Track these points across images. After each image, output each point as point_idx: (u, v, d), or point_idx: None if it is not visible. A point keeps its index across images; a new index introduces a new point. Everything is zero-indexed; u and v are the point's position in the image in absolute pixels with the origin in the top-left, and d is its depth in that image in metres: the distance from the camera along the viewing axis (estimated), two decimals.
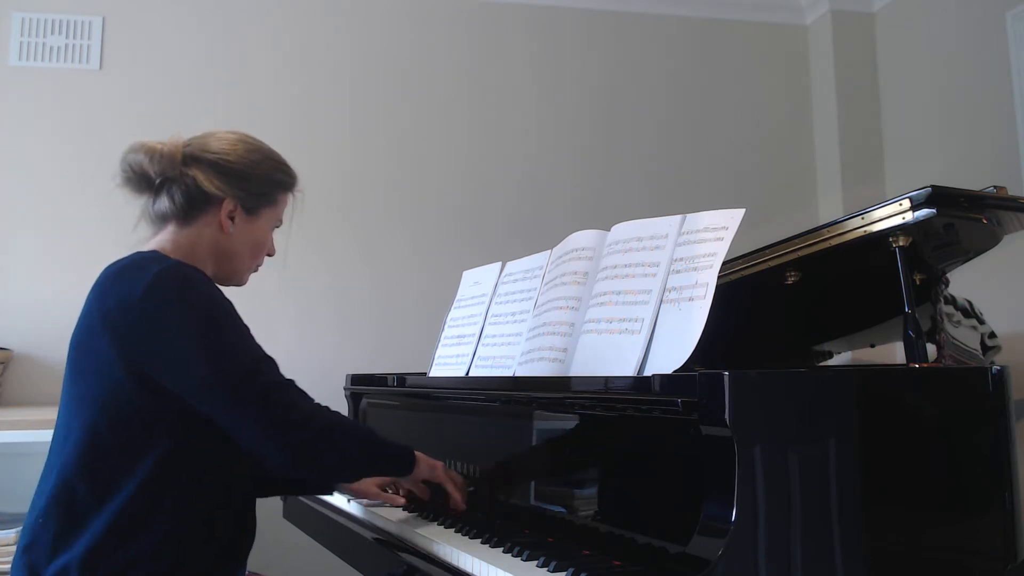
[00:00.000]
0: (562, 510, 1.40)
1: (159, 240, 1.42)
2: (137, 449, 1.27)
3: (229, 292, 1.41)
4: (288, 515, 2.14)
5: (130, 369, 1.27)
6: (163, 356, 1.27)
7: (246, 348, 1.33)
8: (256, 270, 1.55)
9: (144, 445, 1.28)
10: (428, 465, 1.56)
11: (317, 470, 1.42)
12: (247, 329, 1.35)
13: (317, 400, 1.38)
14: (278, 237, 1.57)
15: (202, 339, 1.28)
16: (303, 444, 1.32)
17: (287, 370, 1.37)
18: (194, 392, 1.27)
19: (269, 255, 1.56)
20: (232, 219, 1.44)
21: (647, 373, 1.30)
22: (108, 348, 1.28)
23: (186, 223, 1.42)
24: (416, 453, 1.53)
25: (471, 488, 1.63)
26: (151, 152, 1.39)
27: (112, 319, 1.29)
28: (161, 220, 1.43)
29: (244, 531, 1.42)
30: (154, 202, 1.43)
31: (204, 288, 1.33)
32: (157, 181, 1.41)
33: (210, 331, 1.29)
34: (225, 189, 1.42)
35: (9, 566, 1.35)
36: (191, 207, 1.41)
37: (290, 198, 1.55)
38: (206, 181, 1.40)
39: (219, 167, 1.42)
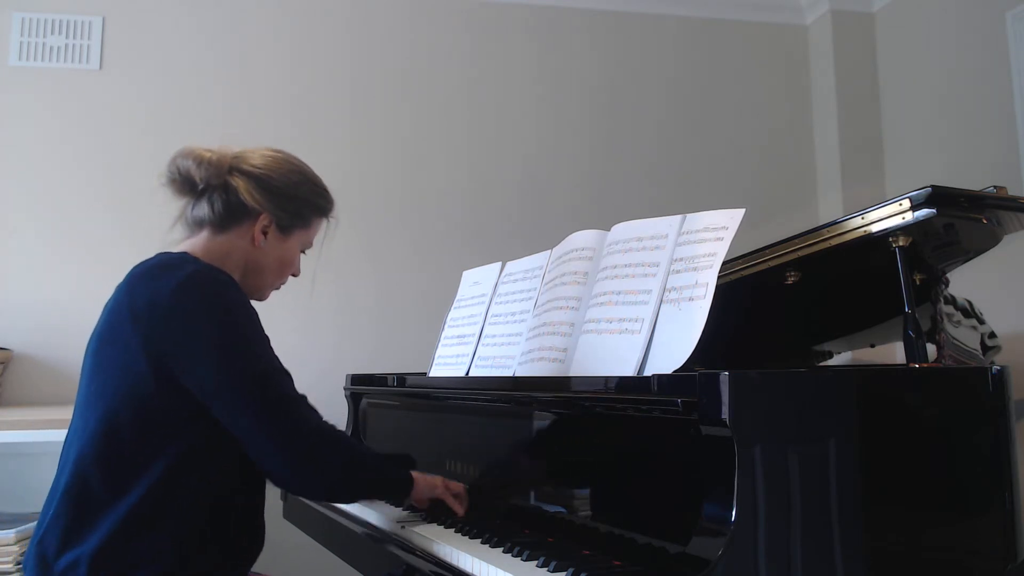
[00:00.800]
0: (562, 510, 1.40)
1: (191, 243, 1.45)
2: (155, 446, 1.29)
3: None
4: (288, 515, 2.14)
5: (153, 365, 1.28)
6: (184, 354, 1.29)
7: (264, 358, 1.35)
8: (279, 288, 1.58)
9: (162, 442, 1.29)
10: (427, 485, 1.57)
11: (316, 487, 1.43)
12: (268, 340, 1.38)
13: (317, 398, 1.39)
14: (308, 258, 1.59)
15: (224, 342, 1.30)
16: (306, 459, 1.34)
17: (288, 370, 1.38)
18: (209, 393, 1.29)
19: (294, 275, 1.59)
20: (265, 234, 1.47)
21: (647, 373, 1.30)
22: (134, 343, 1.30)
23: (221, 231, 1.45)
24: (414, 475, 1.55)
25: (469, 485, 1.63)
26: (199, 159, 1.42)
27: (140, 315, 1.31)
28: (197, 225, 1.47)
29: (252, 535, 1.42)
30: (193, 207, 1.46)
31: (233, 294, 1.35)
32: (200, 187, 1.44)
33: (233, 336, 1.32)
34: (264, 204, 1.45)
35: (9, 566, 1.36)
36: (228, 216, 1.45)
37: (324, 224, 1.59)
38: (247, 193, 1.44)
39: (262, 181, 1.45)
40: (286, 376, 1.37)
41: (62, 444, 1.39)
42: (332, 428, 1.40)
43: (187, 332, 1.29)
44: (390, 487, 1.55)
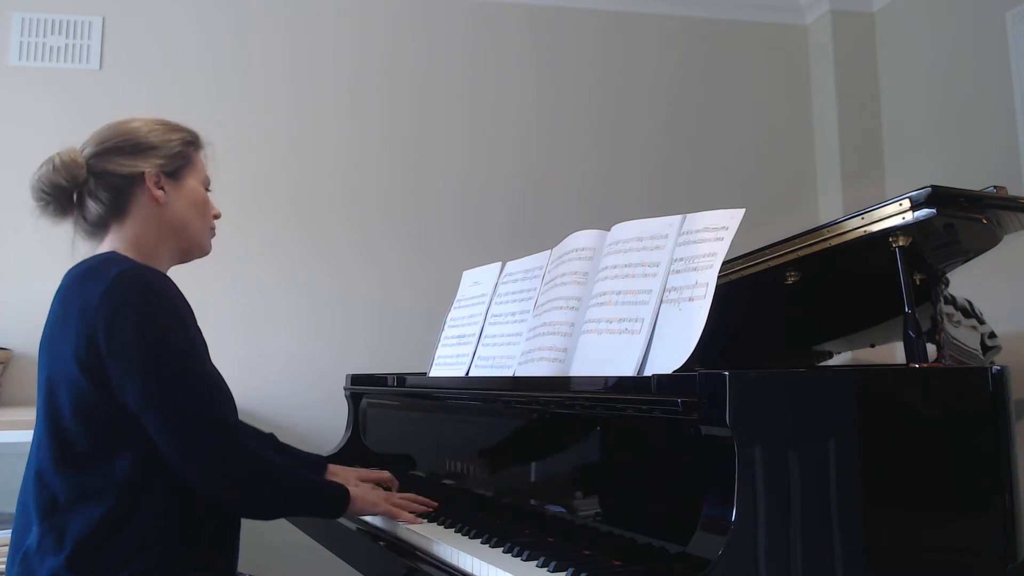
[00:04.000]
0: (562, 510, 1.40)
1: (110, 242, 1.41)
2: (111, 451, 1.27)
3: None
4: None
5: (87, 374, 1.26)
6: (111, 364, 1.26)
7: (193, 370, 1.30)
8: (213, 234, 1.54)
9: (117, 447, 1.27)
10: (369, 502, 1.53)
11: (233, 505, 1.37)
12: (201, 347, 1.34)
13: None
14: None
15: (150, 352, 1.27)
16: (225, 478, 1.30)
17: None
18: (132, 402, 1.26)
19: (217, 217, 1.54)
20: (163, 189, 1.42)
21: (647, 373, 1.30)
22: (70, 355, 1.27)
23: (124, 216, 1.41)
24: (353, 493, 1.48)
25: (450, 485, 1.63)
26: (50, 162, 1.39)
27: (72, 325, 1.28)
28: (100, 226, 1.42)
29: (231, 524, 1.41)
30: (84, 214, 1.41)
31: (162, 297, 1.31)
32: (74, 192, 1.39)
33: (160, 345, 1.28)
34: (140, 163, 1.41)
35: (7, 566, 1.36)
36: (119, 197, 1.40)
37: (204, 156, 1.53)
38: (118, 166, 1.40)
39: (121, 148, 1.41)
40: (213, 388, 1.32)
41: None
42: (251, 448, 1.35)
43: (112, 341, 1.25)
44: (314, 507, 1.49)
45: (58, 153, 1.40)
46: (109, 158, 1.40)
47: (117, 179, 1.40)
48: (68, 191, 1.40)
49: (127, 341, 1.26)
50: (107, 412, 1.27)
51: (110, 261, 1.34)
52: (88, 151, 1.41)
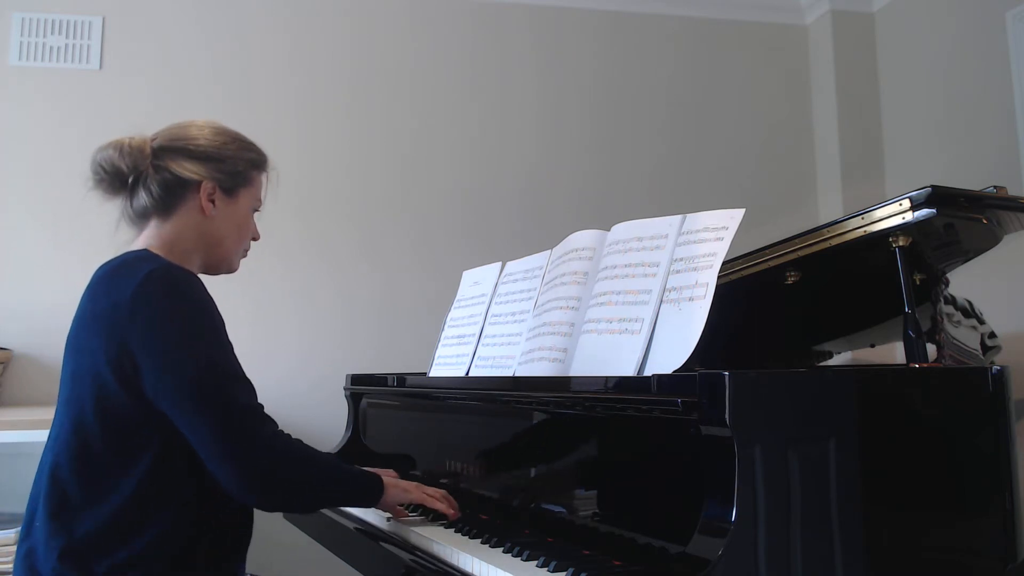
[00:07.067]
0: (562, 510, 1.40)
1: (145, 238, 1.42)
2: (129, 451, 1.27)
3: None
4: (288, 515, 2.14)
5: (114, 370, 1.26)
6: (140, 359, 1.26)
7: (223, 364, 1.31)
8: (245, 255, 1.55)
9: (136, 446, 1.27)
10: (401, 489, 1.51)
11: (268, 499, 1.34)
12: (229, 344, 1.35)
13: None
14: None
15: (180, 346, 1.27)
16: (257, 470, 1.29)
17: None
18: (164, 398, 1.26)
19: (254, 239, 1.55)
20: (213, 202, 1.44)
21: (647, 373, 1.30)
22: (97, 348, 1.28)
23: (167, 215, 1.42)
24: (386, 480, 1.49)
25: (449, 485, 1.63)
26: (119, 146, 1.40)
27: (102, 320, 1.29)
28: (142, 217, 1.43)
29: (242, 526, 1.41)
30: (132, 200, 1.43)
31: (193, 294, 1.32)
32: (131, 177, 1.41)
33: (190, 340, 1.28)
34: (201, 172, 1.42)
35: (9, 565, 1.36)
36: (169, 196, 1.41)
37: (264, 179, 1.55)
38: (179, 168, 1.41)
39: (190, 152, 1.42)
40: (243, 383, 1.33)
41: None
42: (286, 438, 1.35)
43: (143, 337, 1.26)
44: (351, 496, 1.50)
45: (130, 137, 1.41)
46: (174, 157, 1.41)
47: (173, 179, 1.41)
48: (125, 176, 1.41)
49: (159, 337, 1.26)
50: (129, 413, 1.27)
51: (141, 259, 1.35)
52: (158, 143, 1.42)
